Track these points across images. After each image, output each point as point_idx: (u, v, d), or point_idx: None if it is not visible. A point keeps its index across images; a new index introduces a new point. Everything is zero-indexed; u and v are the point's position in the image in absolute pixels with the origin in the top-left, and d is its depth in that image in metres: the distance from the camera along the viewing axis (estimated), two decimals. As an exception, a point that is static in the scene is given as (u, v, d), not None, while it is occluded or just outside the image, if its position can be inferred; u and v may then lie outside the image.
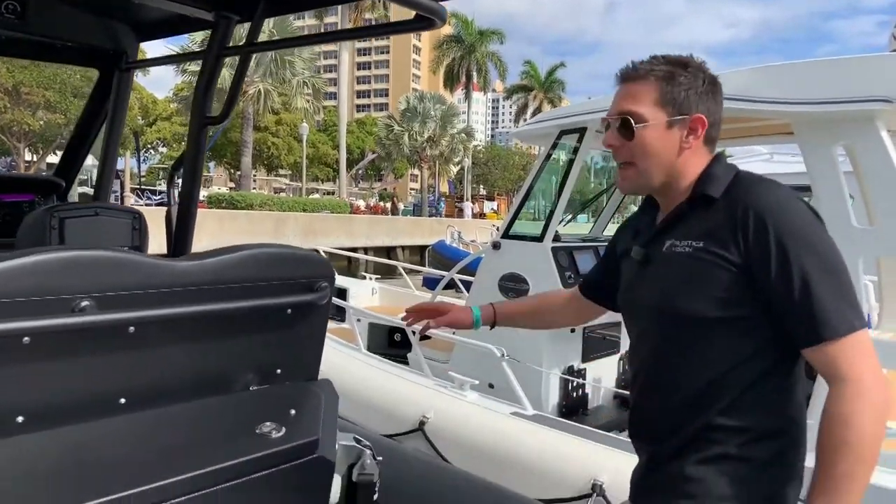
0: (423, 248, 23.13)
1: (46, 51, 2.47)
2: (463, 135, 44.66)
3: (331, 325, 4.08)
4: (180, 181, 2.13)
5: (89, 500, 0.96)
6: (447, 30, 46.55)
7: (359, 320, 5.06)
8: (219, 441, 1.21)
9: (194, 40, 18.35)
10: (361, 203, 39.17)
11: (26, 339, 1.02)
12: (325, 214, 24.81)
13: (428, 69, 63.53)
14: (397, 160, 46.94)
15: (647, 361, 1.39)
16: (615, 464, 2.78)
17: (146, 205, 24.16)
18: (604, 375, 4.43)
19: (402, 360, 4.76)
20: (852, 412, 1.12)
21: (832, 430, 1.13)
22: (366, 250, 21.25)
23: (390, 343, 5.84)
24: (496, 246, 4.40)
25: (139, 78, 37.74)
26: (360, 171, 53.43)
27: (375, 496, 1.49)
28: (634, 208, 2.20)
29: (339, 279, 3.89)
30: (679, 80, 1.29)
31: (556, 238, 4.17)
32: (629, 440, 1.49)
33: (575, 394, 4.17)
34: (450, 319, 1.70)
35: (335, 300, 3.75)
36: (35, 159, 32.64)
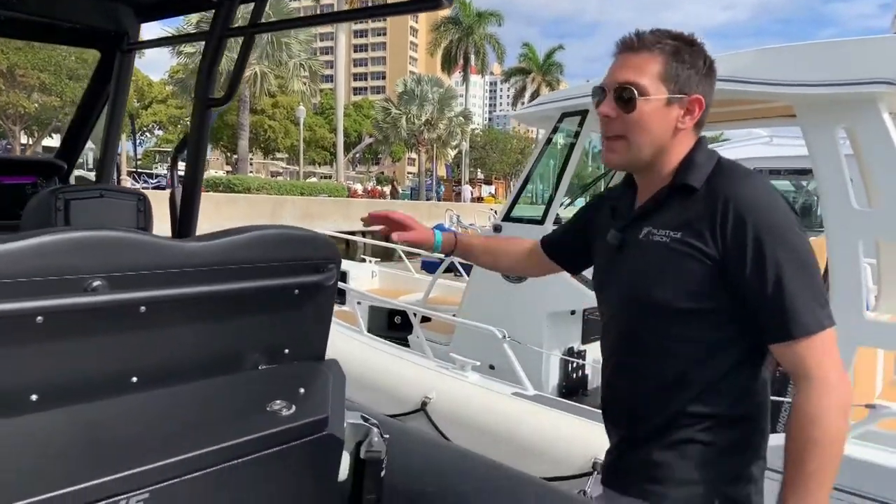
0: (421, 232, 23.09)
1: (47, 32, 2.46)
2: (461, 118, 44.45)
3: (332, 307, 4.08)
4: (182, 164, 2.13)
5: (104, 477, 0.98)
6: (445, 11, 46.16)
7: (359, 303, 5.09)
8: (230, 418, 1.23)
9: (189, 21, 18.21)
10: (359, 187, 39.07)
11: (40, 318, 1.03)
12: (322, 198, 24.78)
13: (425, 51, 63.07)
14: (395, 144, 46.76)
15: (619, 346, 1.39)
16: (615, 443, 2.82)
17: (143, 188, 24.07)
18: None
19: (402, 343, 4.79)
20: (820, 411, 1.14)
21: (801, 429, 1.15)
22: (364, 233, 21.23)
23: (390, 325, 5.87)
24: (497, 229, 4.41)
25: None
26: (357, 155, 53.24)
27: (383, 473, 1.52)
28: None
29: (340, 262, 3.91)
30: (684, 58, 1.27)
31: (557, 221, 4.19)
32: None
33: (575, 375, 4.22)
34: (413, 237, 1.66)
35: (336, 283, 3.76)
36: (31, 142, 32.46)
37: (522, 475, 1.87)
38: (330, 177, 45.21)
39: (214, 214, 17.01)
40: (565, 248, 1.66)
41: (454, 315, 4.57)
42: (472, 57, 50.50)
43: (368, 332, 4.90)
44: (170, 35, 16.77)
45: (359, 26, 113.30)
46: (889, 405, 2.57)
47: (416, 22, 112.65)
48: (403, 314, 5.23)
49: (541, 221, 4.18)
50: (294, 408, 1.25)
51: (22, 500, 0.90)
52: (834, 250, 2.92)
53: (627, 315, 1.35)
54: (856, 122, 2.88)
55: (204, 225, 2.22)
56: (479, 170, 59.59)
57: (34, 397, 1.08)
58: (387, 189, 41.20)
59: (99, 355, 1.16)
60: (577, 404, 3.43)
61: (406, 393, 3.82)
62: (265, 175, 44.72)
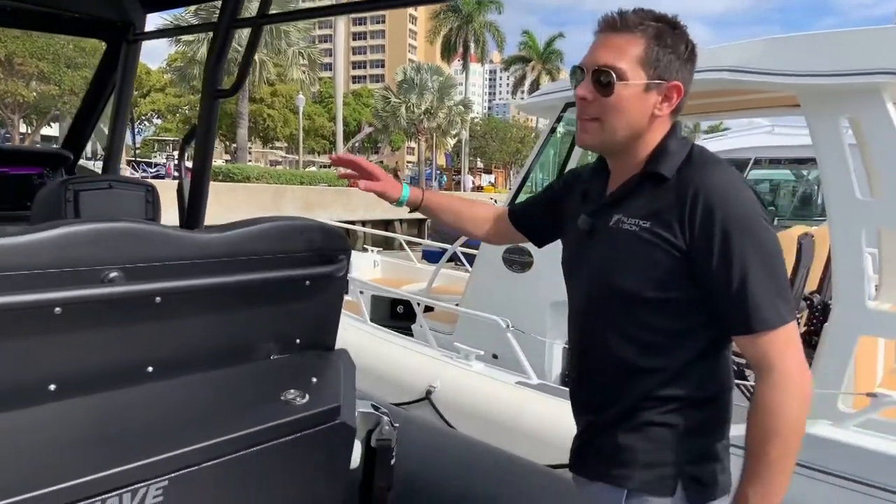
0: (420, 221, 23.10)
1: (54, 22, 2.45)
2: (460, 107, 44.31)
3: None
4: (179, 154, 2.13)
5: (126, 465, 1.00)
6: (445, -1, 45.79)
7: (362, 292, 5.10)
8: (246, 407, 1.25)
9: (188, 9, 18.07)
10: (358, 176, 38.77)
11: (58, 309, 1.05)
12: (322, 187, 24.71)
13: (424, 39, 62.79)
14: (394, 132, 46.64)
15: (586, 332, 1.39)
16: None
17: (142, 177, 24.00)
18: None
19: (405, 332, 4.81)
20: (781, 402, 1.15)
21: (762, 420, 1.17)
22: (364, 223, 21.23)
23: (392, 315, 5.89)
24: (500, 219, 4.41)
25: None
26: (356, 144, 53.09)
27: (393, 461, 1.54)
28: None
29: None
30: (666, 42, 1.23)
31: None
32: None
33: (577, 364, 4.22)
34: (380, 187, 1.62)
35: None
36: (30, 131, 32.35)
37: (528, 463, 1.90)
38: (329, 166, 45.07)
39: (214, 203, 16.68)
40: (533, 221, 1.65)
41: (457, 304, 4.59)
42: (472, 45, 50.27)
43: (371, 321, 4.92)
44: (168, 23, 16.67)
45: (356, 14, 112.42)
46: (890, 394, 2.59)
47: (415, 10, 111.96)
48: (406, 303, 5.24)
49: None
50: (308, 397, 1.27)
51: (47, 487, 0.92)
52: (837, 240, 2.94)
53: (596, 301, 1.35)
54: (860, 113, 2.89)
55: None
56: (478, 159, 59.47)
57: (52, 387, 1.10)
58: (387, 178, 40.93)
59: (115, 345, 1.18)
60: (580, 393, 3.45)
61: (411, 382, 3.84)
62: (264, 164, 44.61)
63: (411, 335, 4.75)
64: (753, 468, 1.18)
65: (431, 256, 9.43)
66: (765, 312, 1.16)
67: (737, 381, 1.35)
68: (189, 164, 2.24)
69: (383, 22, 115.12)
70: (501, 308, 3.85)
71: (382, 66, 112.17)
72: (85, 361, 1.14)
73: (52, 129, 37.90)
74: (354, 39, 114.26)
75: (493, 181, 47.50)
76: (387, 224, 23.76)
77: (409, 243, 7.64)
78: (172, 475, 1.05)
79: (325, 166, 47.91)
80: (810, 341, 3.62)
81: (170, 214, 2.06)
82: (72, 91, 27.60)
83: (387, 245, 12.51)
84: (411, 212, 1.71)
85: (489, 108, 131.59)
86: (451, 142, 49.89)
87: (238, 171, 23.20)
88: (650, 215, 1.23)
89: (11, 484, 0.90)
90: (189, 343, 1.28)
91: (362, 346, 4.34)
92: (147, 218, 1.98)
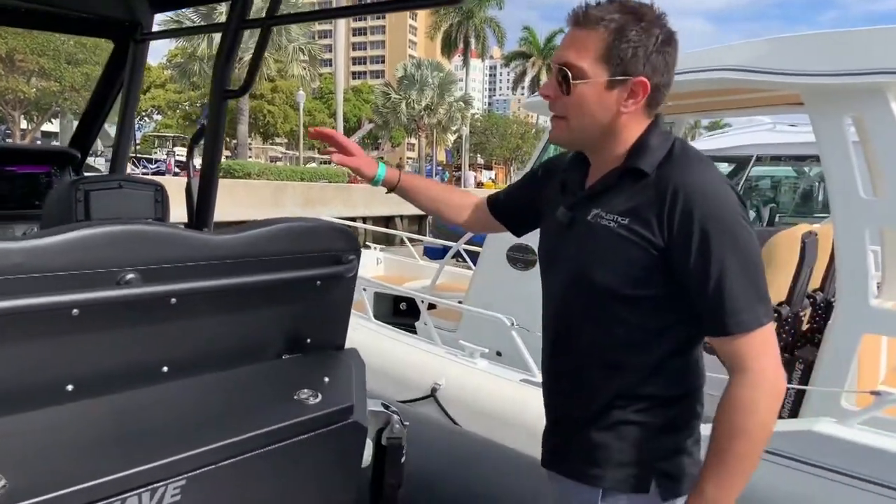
0: (421, 218, 23.11)
1: (62, 22, 2.46)
2: (461, 103, 44.29)
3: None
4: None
5: (145, 464, 1.01)
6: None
7: (365, 290, 5.11)
8: (260, 407, 1.26)
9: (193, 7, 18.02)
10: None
11: (75, 311, 1.06)
12: (323, 184, 24.69)
13: (425, 35, 62.67)
14: (394, 129, 46.63)
15: (560, 326, 1.38)
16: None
17: (143, 173, 23.99)
18: None
19: (408, 329, 4.83)
20: (754, 401, 1.15)
21: (732, 418, 1.16)
22: (364, 220, 21.23)
23: (395, 312, 5.90)
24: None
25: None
26: (356, 140, 53.08)
27: (403, 460, 1.55)
28: None
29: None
30: (629, 36, 1.18)
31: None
32: None
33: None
34: (354, 163, 1.62)
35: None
36: (30, 127, 32.32)
37: (533, 459, 1.91)
38: (329, 162, 44.95)
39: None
40: (512, 210, 1.64)
41: (460, 302, 4.61)
42: (472, 41, 50.19)
43: (374, 318, 4.93)
44: (173, 22, 16.64)
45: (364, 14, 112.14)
46: (894, 391, 2.60)
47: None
48: (409, 300, 5.25)
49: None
50: (320, 396, 1.28)
51: (68, 487, 0.93)
52: (840, 238, 2.95)
53: (571, 296, 1.33)
54: (864, 112, 2.90)
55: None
56: (478, 155, 59.41)
57: (70, 387, 1.11)
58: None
59: (131, 346, 1.19)
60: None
61: (416, 379, 3.86)
62: (264, 160, 44.51)
63: (415, 332, 4.76)
64: (713, 464, 1.18)
65: (433, 253, 9.44)
66: (742, 315, 1.16)
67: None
68: (197, 162, 2.26)
69: (383, 17, 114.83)
70: (505, 305, 3.86)
71: (383, 61, 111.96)
72: (102, 362, 1.15)
73: (53, 125, 37.86)
74: (355, 35, 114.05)
75: (493, 177, 47.47)
76: (388, 220, 23.77)
77: (411, 240, 7.66)
78: (190, 474, 1.06)
79: (325, 163, 47.88)
80: (813, 339, 3.64)
81: (176, 213, 2.07)
82: (72, 87, 27.55)
83: (387, 241, 12.51)
84: (388, 192, 1.69)
85: (490, 103, 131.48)
86: (452, 138, 49.90)
87: (239, 167, 23.17)
88: (629, 212, 1.22)
89: (32, 484, 0.91)
90: (203, 343, 1.30)
91: (366, 344, 4.34)
92: (156, 217, 1.99)
